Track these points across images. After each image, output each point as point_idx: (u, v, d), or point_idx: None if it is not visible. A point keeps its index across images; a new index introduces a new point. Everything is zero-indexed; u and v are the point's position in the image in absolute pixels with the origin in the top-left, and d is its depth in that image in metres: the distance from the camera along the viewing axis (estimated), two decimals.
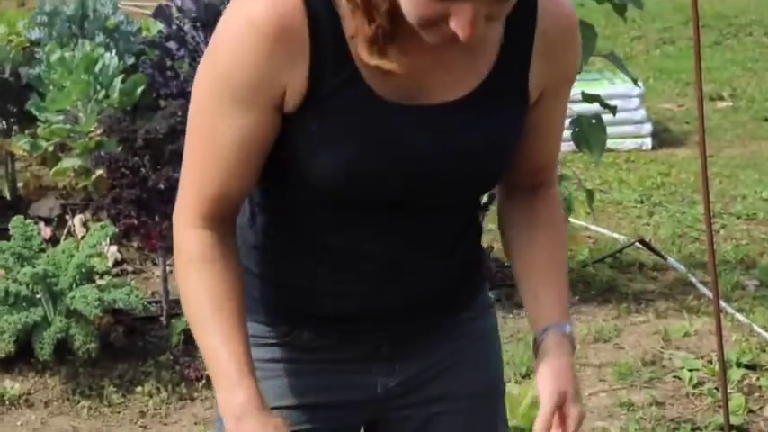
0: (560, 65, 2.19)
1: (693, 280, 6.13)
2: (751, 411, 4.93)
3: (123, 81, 6.40)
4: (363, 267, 2.19)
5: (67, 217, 6.37)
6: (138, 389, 5.00)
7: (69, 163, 6.32)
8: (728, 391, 4.33)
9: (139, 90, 6.46)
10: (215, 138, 2.07)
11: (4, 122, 6.55)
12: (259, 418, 2.05)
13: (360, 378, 2.31)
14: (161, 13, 6.41)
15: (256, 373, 2.13)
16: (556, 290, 2.25)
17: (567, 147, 5.20)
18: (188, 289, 2.11)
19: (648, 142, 8.50)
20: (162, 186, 5.18)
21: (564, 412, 2.13)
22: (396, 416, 2.36)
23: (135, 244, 6.08)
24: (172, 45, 6.32)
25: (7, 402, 4.91)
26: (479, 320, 2.39)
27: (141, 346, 5.27)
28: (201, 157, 2.09)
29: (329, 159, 2.04)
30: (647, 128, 8.53)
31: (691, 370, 5.21)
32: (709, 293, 5.65)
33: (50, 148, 6.47)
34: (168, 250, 5.36)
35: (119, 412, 4.90)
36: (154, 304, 5.35)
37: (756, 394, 5.07)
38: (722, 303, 5.50)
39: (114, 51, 6.61)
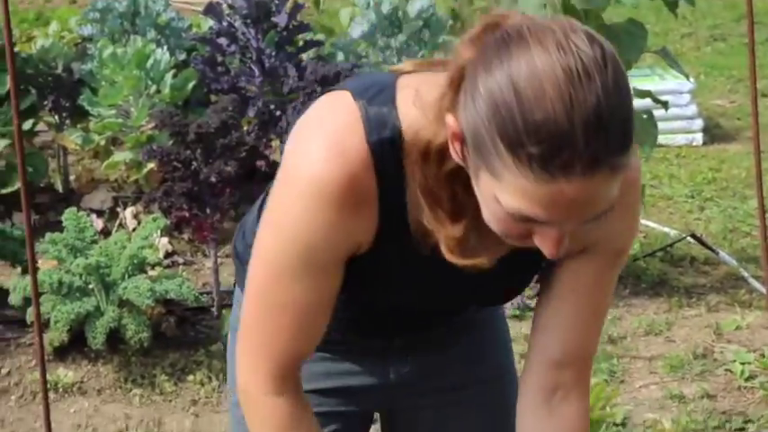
0: (607, 229, 1.96)
1: (745, 274, 6.09)
2: None
3: (174, 76, 6.44)
4: (391, 319, 2.24)
5: (119, 209, 6.42)
6: (190, 377, 5.03)
7: (121, 156, 6.37)
8: None
9: (190, 85, 6.49)
10: (292, 303, 1.98)
11: (57, 117, 6.61)
12: None
13: (373, 365, 2.32)
14: (212, 10, 6.45)
15: None
16: None
17: None
18: None
19: (699, 138, 8.44)
20: (213, 179, 5.22)
21: None
22: (409, 404, 2.37)
23: (186, 236, 6.12)
24: (222, 41, 6.35)
25: (61, 390, 4.96)
26: (487, 308, 2.39)
27: (193, 335, 5.31)
28: (275, 323, 2.00)
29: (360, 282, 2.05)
30: (699, 123, 8.48)
31: (743, 363, 5.18)
32: (762, 288, 5.62)
33: (102, 142, 6.52)
34: (219, 242, 5.40)
35: (170, 401, 4.94)
36: (205, 295, 5.38)
37: None
38: None
39: (165, 47, 6.66)
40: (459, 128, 1.75)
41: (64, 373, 5.03)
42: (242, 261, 2.21)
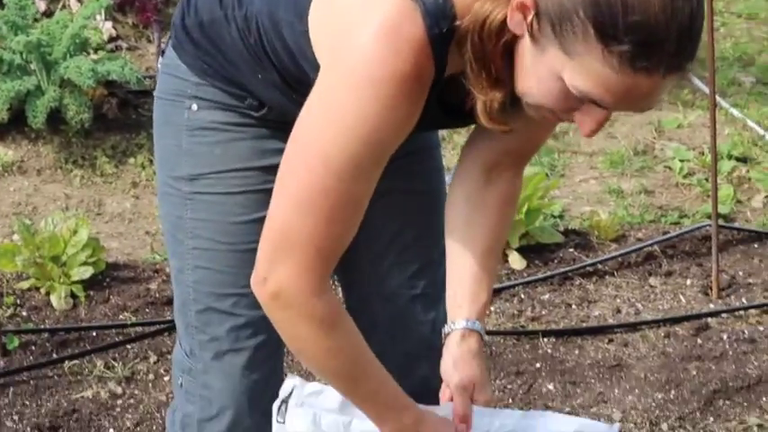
0: None
1: (690, 74, 6.10)
2: (739, 202, 4.98)
3: None
4: None
5: None
6: (131, 160, 5.02)
7: None
8: (718, 181, 4.35)
9: None
10: (350, 200, 1.93)
11: None
12: (432, 417, 2.09)
13: None
14: None
15: (219, 136, 2.18)
16: (480, 285, 2.20)
17: None
18: (332, 349, 2.00)
19: None
20: None
21: (472, 398, 2.15)
22: None
23: (130, 20, 6.02)
24: None
25: (0, 169, 4.94)
26: None
27: (134, 118, 5.27)
28: (329, 222, 1.92)
29: None
30: None
31: (682, 160, 5.24)
32: (705, 88, 5.64)
33: None
34: (163, 27, 5.32)
35: (111, 182, 4.93)
36: (148, 79, 5.33)
37: (745, 186, 5.10)
38: (717, 98, 5.48)
39: None
40: (533, 1, 1.79)
41: (4, 152, 5.00)
42: (190, 37, 2.18)
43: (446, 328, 2.19)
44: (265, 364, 2.33)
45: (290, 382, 2.14)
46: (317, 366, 2.05)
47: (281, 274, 1.94)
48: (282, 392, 2.14)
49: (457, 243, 2.21)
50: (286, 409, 2.13)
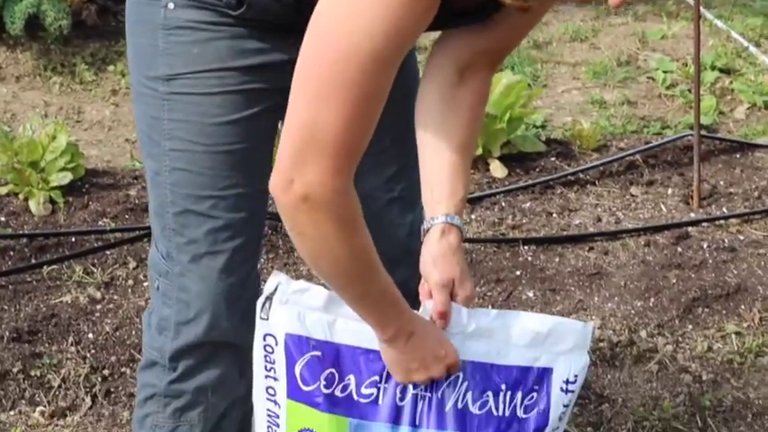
0: None
1: None
2: (721, 113, 4.97)
3: None
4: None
5: None
6: (110, 68, 4.98)
7: None
8: (701, 92, 4.33)
9: None
10: (373, 92, 1.86)
11: None
12: (422, 319, 2.08)
13: (285, 40, 2.27)
14: None
15: (197, 35, 2.13)
16: (457, 180, 2.17)
17: None
18: (355, 248, 1.96)
19: None
20: None
21: (453, 294, 2.12)
22: None
23: None
24: None
25: None
26: None
27: (114, 26, 5.21)
28: (354, 113, 1.86)
29: None
30: None
31: (665, 71, 5.21)
32: None
33: None
34: None
35: (90, 90, 4.90)
36: None
37: (728, 97, 5.09)
38: (701, 9, 5.45)
39: None
40: None
41: None
42: None
43: (425, 225, 2.17)
44: (243, 268, 2.32)
45: (275, 279, 2.13)
46: (335, 270, 1.99)
47: (310, 174, 1.86)
48: (267, 289, 2.13)
49: (431, 140, 2.18)
50: (270, 305, 2.12)
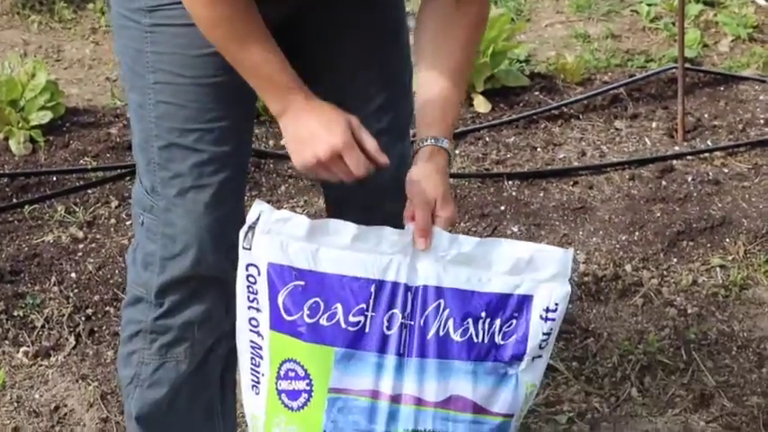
0: None
1: None
2: (705, 46, 4.94)
3: None
4: None
5: None
6: (90, 5, 4.93)
7: None
8: (685, 25, 4.30)
9: None
10: None
11: None
12: (324, 108, 2.10)
13: None
14: None
15: None
16: (448, 104, 2.19)
17: None
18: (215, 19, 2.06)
19: None
20: None
21: (435, 214, 2.14)
22: (312, 17, 2.33)
23: None
24: None
25: None
26: None
27: None
28: None
29: None
30: None
31: (649, 4, 5.17)
32: None
33: None
34: None
35: (70, 28, 4.85)
36: None
37: (712, 30, 5.06)
38: None
39: None
40: None
41: None
42: None
43: (414, 146, 2.19)
44: (228, 202, 2.30)
45: (257, 209, 2.12)
46: (203, 29, 2.09)
47: None
48: (249, 219, 2.12)
49: (426, 62, 2.19)
50: (253, 235, 2.11)
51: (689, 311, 3.35)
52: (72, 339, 3.21)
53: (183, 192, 2.25)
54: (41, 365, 3.13)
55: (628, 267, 3.51)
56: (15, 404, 3.01)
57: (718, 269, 3.52)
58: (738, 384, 3.11)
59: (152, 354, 2.35)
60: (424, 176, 2.14)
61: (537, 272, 2.13)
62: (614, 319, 3.32)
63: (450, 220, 2.14)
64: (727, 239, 3.65)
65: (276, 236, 2.10)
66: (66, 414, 2.98)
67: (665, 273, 3.51)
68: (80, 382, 3.07)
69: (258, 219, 2.11)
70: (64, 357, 3.15)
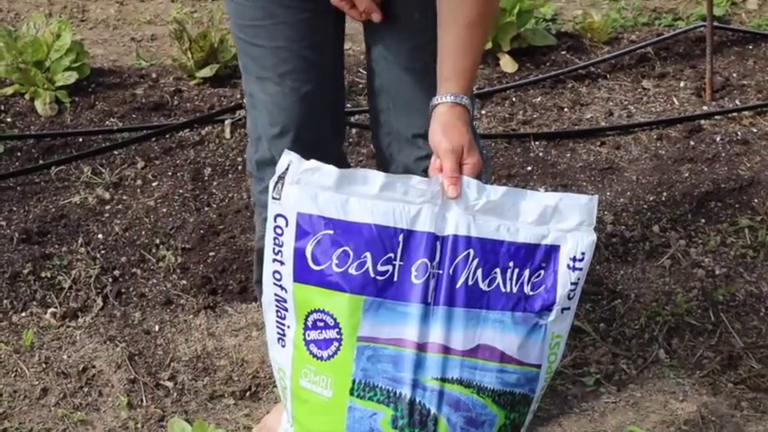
0: None
1: None
2: (734, 4, 4.90)
3: None
4: None
5: None
6: None
7: None
8: None
9: None
10: None
11: None
12: None
13: None
14: None
15: None
16: (465, 57, 2.23)
17: None
18: None
19: None
20: None
21: (462, 163, 2.17)
22: None
23: None
24: None
25: None
26: None
27: None
28: None
29: None
30: None
31: None
32: None
33: None
34: None
35: None
36: None
37: None
38: None
39: None
40: None
41: None
42: None
43: (434, 101, 2.22)
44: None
45: (286, 158, 2.13)
46: None
47: None
48: (278, 168, 2.14)
49: (445, 14, 2.21)
50: (282, 185, 2.12)
51: (717, 272, 3.33)
52: (99, 301, 3.21)
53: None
54: (69, 326, 3.14)
55: (656, 228, 3.49)
56: (44, 365, 3.02)
57: (746, 230, 3.50)
58: (766, 345, 3.09)
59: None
60: (448, 126, 2.18)
61: (563, 221, 2.16)
62: (642, 280, 3.30)
63: (477, 166, 2.18)
64: (756, 200, 3.62)
65: (305, 186, 2.11)
66: (94, 375, 2.99)
67: (692, 234, 3.49)
68: (108, 343, 3.08)
69: (287, 169, 2.12)
70: (91, 318, 3.16)
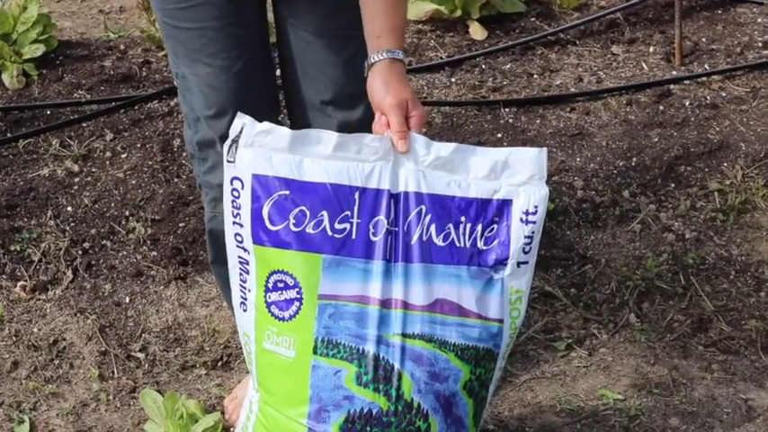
0: None
1: None
2: None
3: None
4: None
5: None
6: None
7: None
8: None
9: None
10: None
11: None
12: None
13: None
14: None
15: None
16: (395, 12, 2.25)
17: None
18: None
19: None
20: None
21: (407, 116, 2.19)
22: None
23: None
24: None
25: None
26: None
27: None
28: None
29: None
30: None
31: None
32: None
33: None
34: None
35: None
36: None
37: None
38: None
39: None
40: None
41: None
42: None
43: (370, 59, 2.23)
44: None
45: (240, 121, 2.14)
46: None
47: None
48: (232, 132, 2.15)
49: None
50: (236, 148, 2.13)
51: (687, 236, 3.34)
52: (69, 273, 3.21)
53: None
54: (39, 299, 3.13)
55: (626, 193, 3.50)
56: (14, 338, 3.01)
57: (716, 194, 3.51)
58: (736, 308, 3.11)
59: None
60: (389, 81, 2.19)
61: (514, 175, 2.18)
62: (612, 245, 3.31)
63: (423, 117, 2.20)
64: (725, 164, 3.63)
65: (259, 148, 2.12)
66: (64, 347, 2.99)
67: (662, 198, 3.50)
68: (78, 315, 3.07)
69: (241, 132, 2.13)
70: (62, 291, 3.15)
